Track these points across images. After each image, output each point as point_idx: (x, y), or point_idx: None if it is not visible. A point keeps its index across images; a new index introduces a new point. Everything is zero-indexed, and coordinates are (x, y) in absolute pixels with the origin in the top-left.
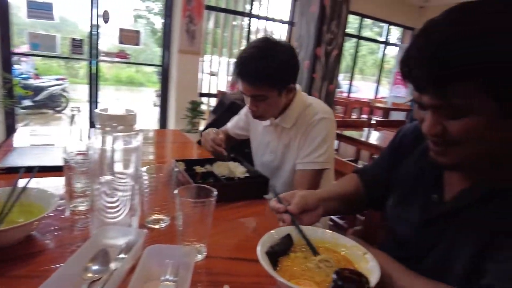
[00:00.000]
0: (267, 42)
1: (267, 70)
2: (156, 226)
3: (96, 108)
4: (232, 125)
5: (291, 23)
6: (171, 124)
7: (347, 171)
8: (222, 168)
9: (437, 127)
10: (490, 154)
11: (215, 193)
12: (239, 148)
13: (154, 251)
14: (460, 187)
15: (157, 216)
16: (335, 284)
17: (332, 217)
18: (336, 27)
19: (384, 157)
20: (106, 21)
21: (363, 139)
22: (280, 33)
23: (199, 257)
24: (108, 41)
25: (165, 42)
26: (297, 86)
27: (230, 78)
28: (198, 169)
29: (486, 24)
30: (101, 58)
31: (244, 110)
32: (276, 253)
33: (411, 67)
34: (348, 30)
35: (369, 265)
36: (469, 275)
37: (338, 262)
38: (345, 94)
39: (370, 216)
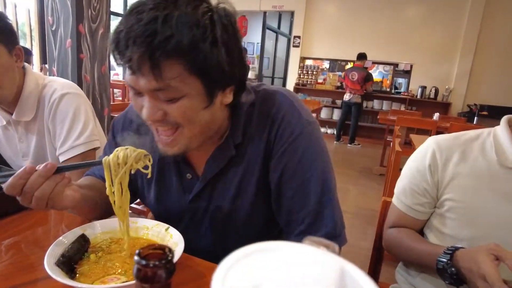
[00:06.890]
0: None
1: None
2: None
3: None
4: None
5: None
6: None
7: None
8: None
9: (157, 113)
10: (207, 128)
11: None
12: None
13: None
14: (205, 158)
15: None
16: (139, 264)
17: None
18: (98, 3)
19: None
20: None
21: None
22: (27, 6)
23: None
24: None
25: None
26: (26, 65)
27: None
28: None
29: (183, 8)
30: None
31: None
32: (71, 260)
33: (123, 48)
34: (113, 9)
35: (174, 237)
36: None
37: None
38: (121, 77)
39: None
